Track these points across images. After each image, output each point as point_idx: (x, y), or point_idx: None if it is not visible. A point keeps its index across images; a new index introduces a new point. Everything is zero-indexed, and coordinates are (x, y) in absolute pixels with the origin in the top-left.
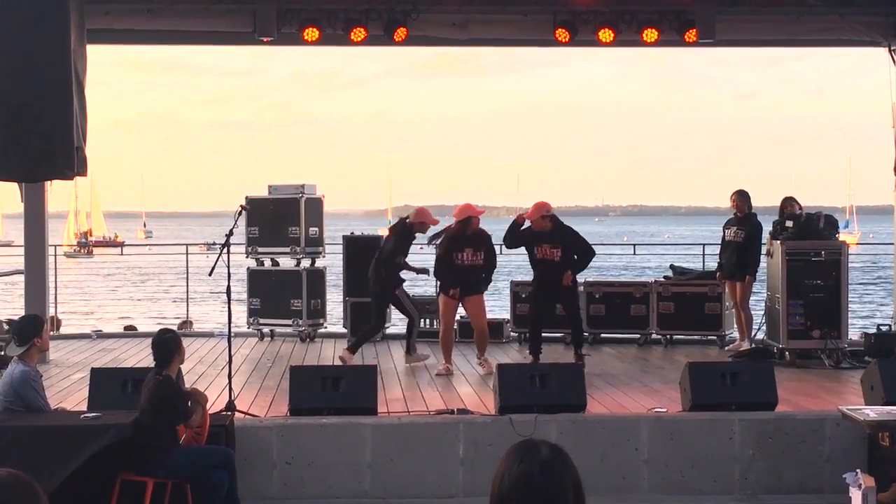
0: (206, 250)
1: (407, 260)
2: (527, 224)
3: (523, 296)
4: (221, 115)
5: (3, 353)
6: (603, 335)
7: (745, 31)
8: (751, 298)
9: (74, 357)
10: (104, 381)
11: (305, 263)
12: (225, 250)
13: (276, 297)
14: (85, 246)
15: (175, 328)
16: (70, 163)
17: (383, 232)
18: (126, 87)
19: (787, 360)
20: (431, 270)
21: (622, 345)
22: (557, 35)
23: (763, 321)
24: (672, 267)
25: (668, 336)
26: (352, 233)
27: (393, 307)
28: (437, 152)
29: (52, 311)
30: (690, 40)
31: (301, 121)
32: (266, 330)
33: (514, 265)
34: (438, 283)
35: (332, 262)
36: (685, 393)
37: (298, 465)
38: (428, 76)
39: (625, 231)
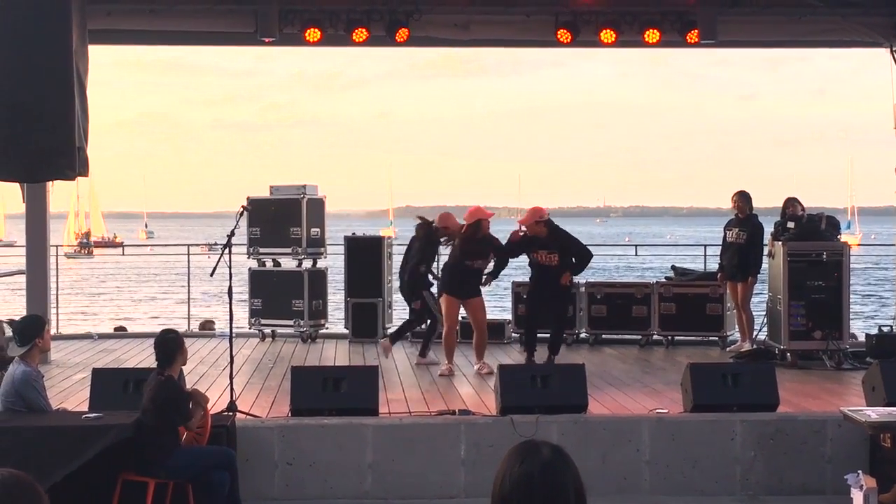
0: (208, 251)
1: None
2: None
3: (524, 296)
4: (223, 115)
5: (4, 353)
6: (604, 336)
7: (746, 31)
8: (752, 299)
9: (76, 357)
10: (105, 382)
11: (307, 264)
12: (227, 251)
13: (277, 297)
14: (86, 246)
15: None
16: (71, 163)
17: (385, 232)
18: (128, 87)
19: (788, 361)
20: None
21: (623, 346)
22: (559, 36)
23: (764, 322)
24: (673, 268)
25: (669, 337)
26: (353, 233)
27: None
28: (438, 153)
29: (52, 312)
30: (692, 41)
31: (303, 121)
32: (267, 330)
33: (514, 265)
34: (439, 283)
35: (334, 262)
36: (686, 394)
37: (300, 465)
38: (430, 77)
39: (626, 232)
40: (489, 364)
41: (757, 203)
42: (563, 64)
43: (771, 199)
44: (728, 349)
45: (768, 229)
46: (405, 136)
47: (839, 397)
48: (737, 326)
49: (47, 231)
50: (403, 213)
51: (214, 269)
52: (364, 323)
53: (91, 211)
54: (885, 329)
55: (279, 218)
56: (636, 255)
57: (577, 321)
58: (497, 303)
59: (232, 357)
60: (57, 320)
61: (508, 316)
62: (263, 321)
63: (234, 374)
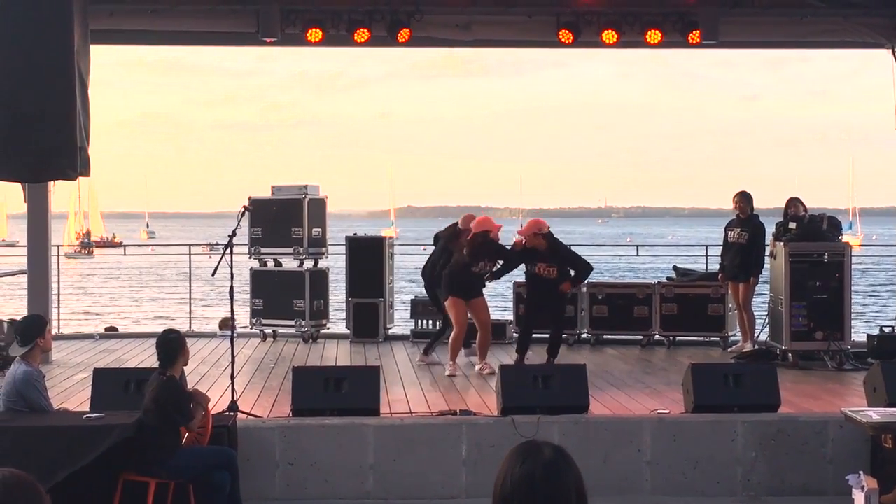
0: (209, 251)
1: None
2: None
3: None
4: (225, 115)
5: (5, 353)
6: (606, 336)
7: (748, 32)
8: (753, 300)
9: (77, 357)
10: (107, 382)
11: (308, 264)
12: (228, 251)
13: (278, 297)
14: (88, 246)
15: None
16: (73, 163)
17: (386, 232)
18: (129, 87)
19: (789, 361)
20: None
21: (625, 346)
22: (561, 36)
23: (766, 323)
24: (675, 268)
25: (670, 337)
26: (355, 233)
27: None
28: (440, 153)
29: (54, 312)
30: (694, 41)
31: (304, 121)
32: (269, 330)
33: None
34: (443, 287)
35: (335, 262)
36: (688, 394)
37: (301, 465)
38: (431, 77)
39: (627, 232)
40: (491, 364)
41: (758, 204)
42: (564, 64)
43: (772, 200)
44: (729, 350)
45: (770, 230)
46: (407, 136)
47: (840, 398)
48: (738, 327)
49: (49, 231)
50: (405, 213)
51: (216, 269)
52: (365, 323)
53: (90, 211)
54: (887, 330)
55: (281, 218)
56: (638, 255)
57: (578, 321)
58: (499, 303)
59: (233, 357)
60: (58, 320)
61: (510, 316)
62: (265, 321)
63: (235, 374)
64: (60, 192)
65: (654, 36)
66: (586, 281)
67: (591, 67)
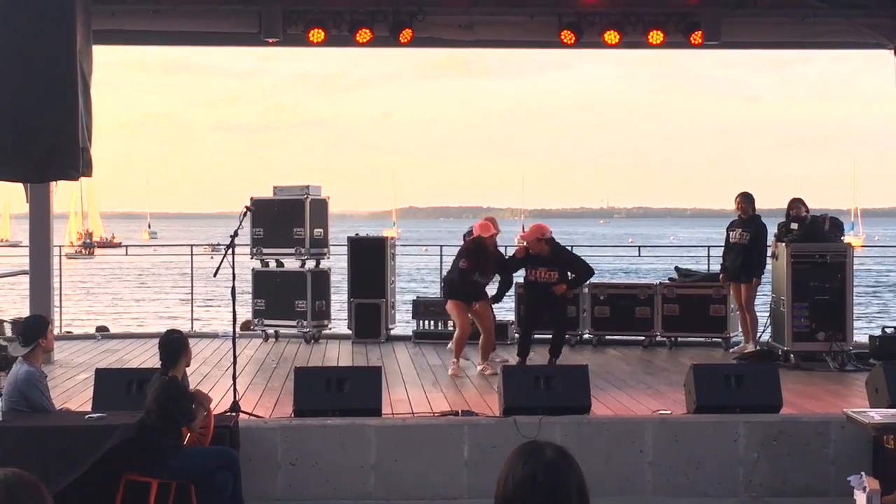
0: (211, 251)
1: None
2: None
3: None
4: (226, 116)
5: (7, 353)
6: (607, 337)
7: (750, 33)
8: (756, 300)
9: (79, 357)
10: (109, 382)
11: (310, 264)
12: (230, 251)
13: (280, 298)
14: (90, 247)
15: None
16: (75, 163)
17: (388, 233)
18: (131, 88)
19: (791, 362)
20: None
21: (627, 347)
22: (563, 37)
23: (768, 323)
24: (677, 269)
25: (672, 338)
26: (356, 234)
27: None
28: (442, 154)
29: (56, 313)
30: (696, 42)
31: (306, 122)
32: (271, 331)
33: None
34: (444, 291)
35: (337, 263)
36: (690, 395)
37: (303, 466)
38: (433, 77)
39: (629, 233)
40: (493, 365)
41: (760, 204)
42: (566, 65)
43: (774, 201)
44: (731, 350)
45: (772, 230)
46: (408, 136)
47: (842, 399)
48: (740, 327)
49: (51, 231)
50: (406, 213)
51: (218, 269)
52: (367, 323)
53: (89, 211)
54: (889, 331)
55: (282, 218)
56: (639, 255)
57: (580, 322)
58: (501, 303)
59: (235, 357)
60: (60, 320)
61: (512, 317)
62: (266, 321)
63: (237, 374)
64: (60, 193)
65: (656, 36)
66: (590, 282)
67: (592, 68)
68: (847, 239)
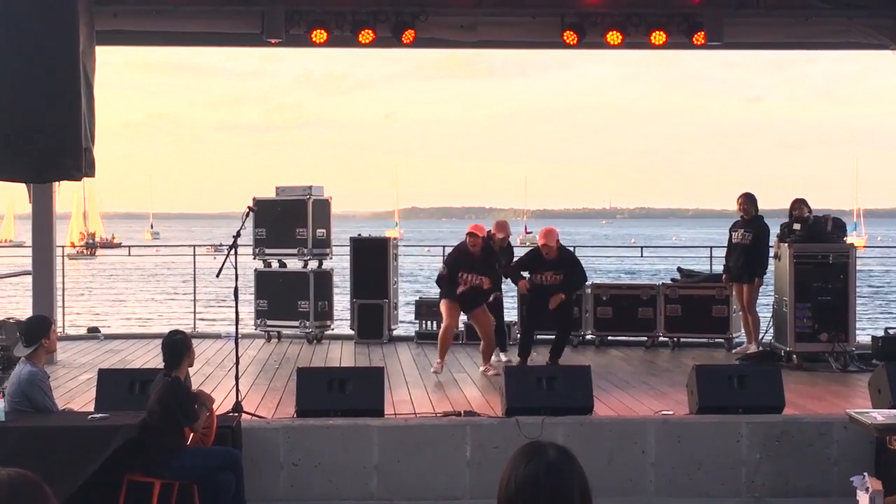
0: (214, 252)
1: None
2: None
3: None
4: (229, 116)
5: (10, 353)
6: (610, 338)
7: (753, 33)
8: (758, 301)
9: (82, 358)
10: (111, 382)
11: (313, 265)
12: (232, 252)
13: (283, 298)
14: (93, 247)
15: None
16: (78, 163)
17: (391, 233)
18: (134, 88)
19: (794, 363)
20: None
21: (629, 347)
22: (565, 37)
23: (770, 324)
24: (679, 269)
25: (675, 339)
26: (359, 234)
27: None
28: (444, 154)
29: (59, 313)
30: (698, 43)
31: (308, 122)
32: (273, 331)
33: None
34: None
35: (340, 263)
36: (692, 396)
37: (305, 466)
38: (436, 78)
39: (632, 234)
40: (495, 366)
41: (763, 205)
42: (569, 66)
43: (777, 201)
44: (734, 351)
45: (774, 231)
46: (411, 137)
47: (845, 399)
48: (743, 328)
49: (53, 231)
50: (409, 214)
51: (220, 269)
52: (370, 324)
53: (89, 212)
54: (892, 331)
55: (285, 219)
56: (642, 256)
57: (582, 323)
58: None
59: (238, 358)
60: (63, 321)
61: (514, 318)
62: (269, 322)
63: (239, 374)
64: (63, 194)
65: (658, 37)
66: (592, 282)
67: (595, 69)
68: (849, 239)
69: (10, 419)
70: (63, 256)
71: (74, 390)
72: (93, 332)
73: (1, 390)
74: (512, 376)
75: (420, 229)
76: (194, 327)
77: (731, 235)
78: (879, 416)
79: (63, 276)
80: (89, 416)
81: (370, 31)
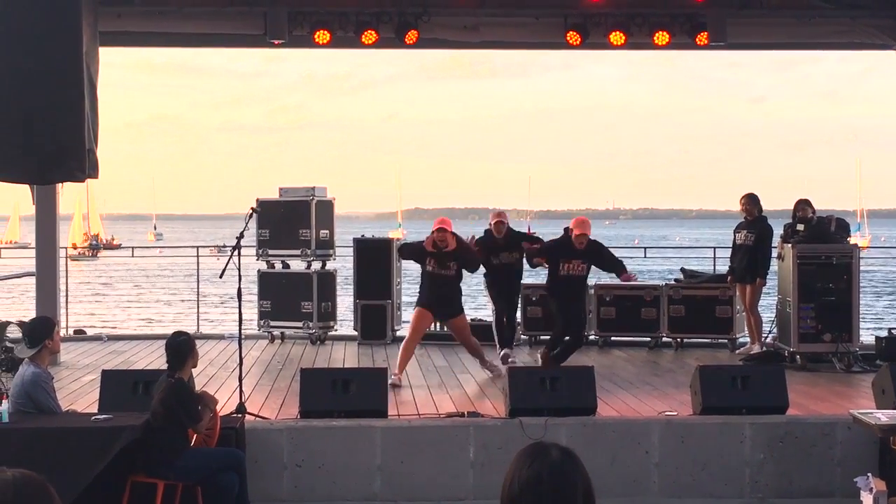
0: (217, 253)
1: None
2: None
3: (534, 299)
4: (232, 117)
5: (14, 354)
6: (613, 338)
7: (756, 34)
8: (761, 301)
9: (85, 359)
10: (115, 383)
11: (316, 266)
12: (236, 252)
13: (286, 299)
14: (97, 248)
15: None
16: (81, 165)
17: (394, 234)
18: (137, 89)
19: (797, 363)
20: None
21: (632, 348)
22: (569, 38)
23: (774, 324)
24: (683, 270)
25: (678, 339)
26: (362, 235)
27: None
28: (447, 155)
29: (62, 314)
30: (702, 43)
31: (312, 123)
32: (276, 332)
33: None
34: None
35: (343, 264)
36: (696, 396)
37: (309, 467)
38: (439, 79)
39: (635, 234)
40: (497, 365)
41: (766, 205)
42: (572, 66)
43: (780, 202)
44: (737, 351)
45: (778, 231)
46: (414, 137)
47: (848, 400)
48: (746, 329)
49: (57, 233)
50: (412, 214)
51: (224, 270)
52: (373, 325)
53: (89, 213)
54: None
55: (288, 220)
56: (645, 257)
57: (586, 323)
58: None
59: (241, 359)
60: (66, 322)
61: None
62: (272, 323)
63: (243, 375)
64: (65, 195)
65: (661, 37)
66: (595, 283)
67: (598, 69)
68: (853, 240)
69: (13, 420)
70: (66, 258)
71: (78, 391)
72: (79, 335)
73: (5, 392)
74: (515, 377)
75: (423, 230)
76: (198, 328)
77: (735, 237)
78: (883, 416)
79: (66, 278)
80: (93, 418)
81: (373, 32)
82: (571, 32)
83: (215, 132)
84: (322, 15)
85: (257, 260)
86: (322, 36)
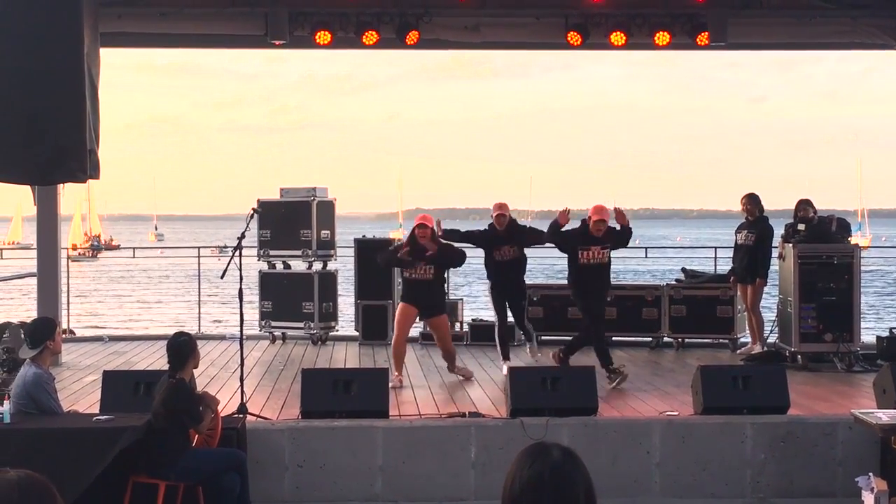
0: (218, 253)
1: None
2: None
3: (535, 299)
4: (233, 118)
5: (15, 355)
6: (614, 338)
7: (756, 34)
8: (762, 301)
9: (87, 360)
10: (116, 384)
11: (317, 266)
12: (237, 253)
13: (287, 299)
14: (98, 249)
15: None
16: (83, 165)
17: (395, 234)
18: (138, 90)
19: (799, 363)
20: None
21: (634, 348)
22: (569, 38)
23: (775, 324)
24: (684, 270)
25: (679, 339)
26: (363, 236)
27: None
28: (449, 155)
29: (63, 315)
30: (702, 43)
31: (313, 124)
32: (278, 333)
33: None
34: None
35: (344, 265)
36: (697, 396)
37: (310, 467)
38: (440, 79)
39: (636, 234)
40: (465, 370)
41: (767, 205)
42: (573, 66)
43: (781, 202)
44: (738, 351)
45: (779, 231)
46: (415, 138)
47: (850, 400)
48: (747, 329)
49: (58, 233)
50: (413, 215)
51: (225, 271)
52: (374, 325)
53: (88, 213)
54: None
55: (289, 220)
56: (646, 257)
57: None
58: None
59: (242, 359)
60: (68, 322)
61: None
62: (273, 323)
63: (244, 376)
64: (66, 196)
65: (662, 38)
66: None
67: (599, 69)
68: (854, 239)
69: (15, 421)
70: (67, 259)
71: (79, 392)
72: (69, 334)
73: (6, 392)
74: (516, 377)
75: None
76: (199, 329)
77: (736, 237)
78: (884, 416)
79: (68, 279)
80: (94, 418)
81: (374, 33)
82: (572, 33)
83: (216, 133)
84: (323, 15)
85: (258, 260)
86: (323, 36)
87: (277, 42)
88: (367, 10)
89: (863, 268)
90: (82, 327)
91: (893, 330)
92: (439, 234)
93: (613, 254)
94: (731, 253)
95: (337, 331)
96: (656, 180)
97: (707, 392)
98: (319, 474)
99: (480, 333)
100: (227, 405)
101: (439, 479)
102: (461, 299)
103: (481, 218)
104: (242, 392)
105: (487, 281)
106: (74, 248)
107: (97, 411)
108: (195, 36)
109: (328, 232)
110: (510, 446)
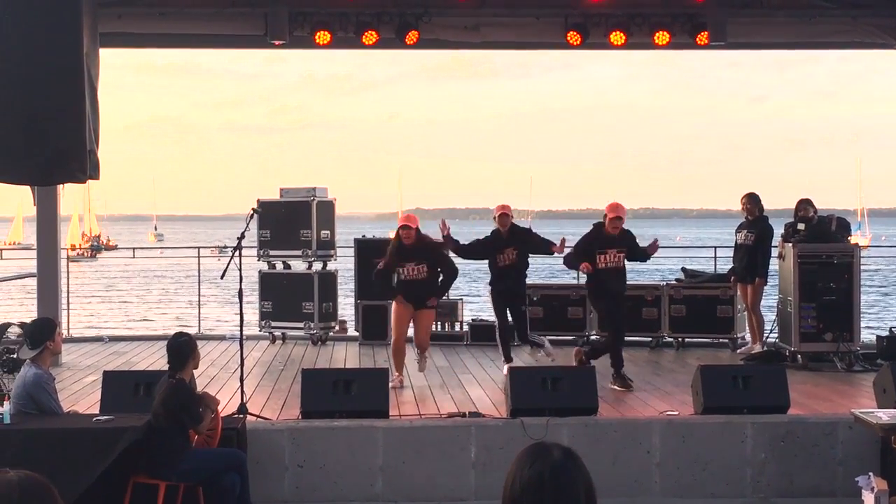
0: (218, 253)
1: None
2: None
3: (535, 298)
4: (233, 118)
5: (15, 356)
6: None
7: (756, 33)
8: (762, 301)
9: (87, 360)
10: (116, 384)
11: (317, 266)
12: (237, 253)
13: (287, 299)
14: (98, 250)
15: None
16: (83, 166)
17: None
18: (138, 90)
19: (799, 363)
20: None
21: (634, 348)
22: (569, 38)
23: (775, 324)
24: (684, 270)
25: (679, 339)
26: (363, 236)
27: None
28: (449, 155)
29: (63, 315)
30: (702, 43)
31: (312, 124)
32: (278, 333)
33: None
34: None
35: (344, 265)
36: (697, 396)
37: (310, 467)
38: (440, 79)
39: (636, 234)
40: (421, 362)
41: (767, 205)
42: (573, 66)
43: (781, 201)
44: (738, 351)
45: (779, 231)
46: (415, 138)
47: (850, 399)
48: (747, 328)
49: (58, 234)
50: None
51: (225, 271)
52: (374, 325)
53: (86, 214)
54: None
55: (289, 220)
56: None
57: (587, 324)
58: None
59: (242, 359)
60: (68, 323)
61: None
62: (273, 323)
63: (244, 376)
64: (66, 196)
65: (662, 37)
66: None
67: (599, 69)
68: (854, 239)
69: (15, 421)
70: (67, 259)
71: (79, 392)
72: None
73: (6, 393)
74: (517, 377)
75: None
76: (199, 329)
77: (735, 237)
78: (884, 415)
79: (68, 279)
80: (94, 419)
81: (374, 33)
82: (572, 32)
83: (216, 133)
84: (323, 15)
85: (258, 260)
86: (323, 36)
87: (277, 42)
88: (367, 10)
89: (863, 267)
90: (82, 327)
91: (893, 329)
92: (445, 232)
93: None
94: (731, 252)
95: (337, 331)
96: (656, 180)
97: (707, 392)
98: (319, 474)
99: (480, 333)
100: (227, 405)
101: (439, 480)
102: (461, 299)
103: (481, 218)
104: (242, 392)
105: (489, 286)
106: (73, 248)
107: (97, 412)
108: (195, 36)
109: (328, 232)
110: (510, 446)
